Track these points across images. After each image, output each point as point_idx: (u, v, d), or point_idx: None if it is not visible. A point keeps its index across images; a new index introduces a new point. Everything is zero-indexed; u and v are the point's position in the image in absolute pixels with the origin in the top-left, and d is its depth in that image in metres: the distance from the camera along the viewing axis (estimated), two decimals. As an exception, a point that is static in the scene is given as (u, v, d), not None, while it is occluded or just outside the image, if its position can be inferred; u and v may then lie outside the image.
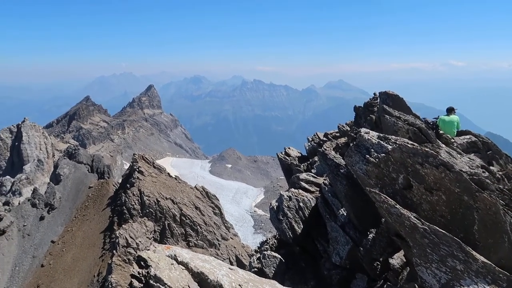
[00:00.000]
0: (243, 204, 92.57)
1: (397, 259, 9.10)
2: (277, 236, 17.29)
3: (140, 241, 47.25)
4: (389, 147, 8.51)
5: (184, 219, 52.74)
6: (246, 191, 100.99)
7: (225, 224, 58.05)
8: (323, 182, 14.49)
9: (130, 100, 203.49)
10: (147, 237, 49.46)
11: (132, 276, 6.75)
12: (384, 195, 7.75)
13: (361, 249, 10.62)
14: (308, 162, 26.38)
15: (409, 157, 8.01)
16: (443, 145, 13.47)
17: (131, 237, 46.80)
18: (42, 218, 64.93)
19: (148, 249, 7.29)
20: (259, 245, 21.23)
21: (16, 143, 72.77)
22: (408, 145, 8.22)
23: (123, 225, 50.67)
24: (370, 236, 10.52)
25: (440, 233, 6.71)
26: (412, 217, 7.10)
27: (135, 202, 53.97)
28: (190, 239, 51.81)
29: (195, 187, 60.71)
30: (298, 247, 14.40)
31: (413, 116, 16.88)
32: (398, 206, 7.40)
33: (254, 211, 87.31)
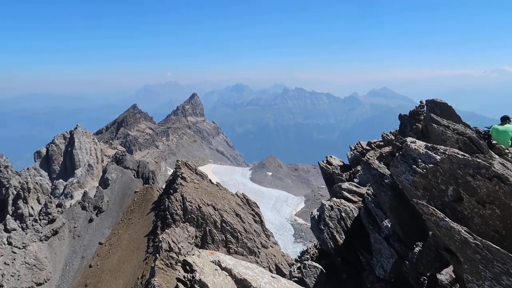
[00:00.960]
0: (283, 212, 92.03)
1: (445, 275, 8.68)
2: (318, 246, 17.02)
3: (182, 246, 48.16)
4: (438, 157, 8.17)
5: (225, 225, 53.20)
6: (286, 199, 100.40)
7: (265, 232, 57.93)
8: (366, 192, 14.13)
9: (174, 108, 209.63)
10: (188, 242, 50.33)
11: (178, 280, 6.91)
12: (432, 207, 7.44)
13: (407, 262, 10.22)
14: (351, 171, 25.84)
15: (460, 168, 7.65)
16: (497, 156, 12.74)
17: (173, 242, 47.82)
18: (91, 220, 68.01)
19: (193, 254, 7.43)
20: (299, 255, 21.00)
21: (69, 149, 76.89)
22: (458, 155, 7.85)
23: (166, 230, 51.92)
24: (417, 249, 10.10)
25: (494, 249, 6.33)
26: (463, 231, 6.75)
27: (177, 208, 55.20)
28: (230, 245, 52.14)
29: (236, 194, 61.17)
30: (339, 258, 14.10)
31: (463, 125, 16.11)
32: (447, 219, 7.07)
33: (295, 220, 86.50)
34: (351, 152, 28.38)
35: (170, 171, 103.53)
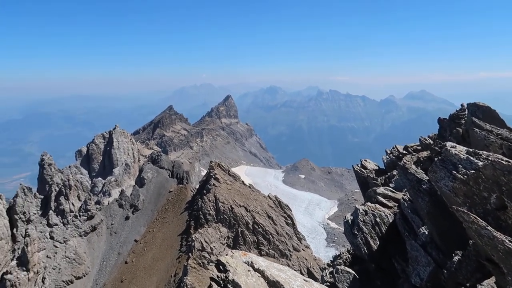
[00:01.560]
0: (315, 215, 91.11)
1: (487, 286, 8.30)
2: (351, 251, 16.74)
3: (214, 246, 48.69)
4: (480, 163, 7.84)
5: (257, 227, 53.31)
6: (319, 203, 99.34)
7: (297, 235, 57.55)
8: (403, 198, 13.75)
9: (208, 109, 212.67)
10: (221, 243, 50.81)
11: (212, 279, 7.01)
12: (474, 215, 7.14)
13: (445, 271, 9.85)
14: (386, 175, 25.22)
15: (504, 175, 7.30)
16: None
17: (206, 242, 48.43)
18: (127, 218, 70.12)
19: (226, 254, 7.51)
20: (332, 259, 20.73)
21: (108, 148, 79.63)
22: (503, 161, 7.50)
23: (199, 230, 52.67)
24: (456, 258, 9.72)
25: (541, 261, 6.00)
26: (507, 241, 6.44)
27: (210, 208, 55.87)
28: (262, 247, 52.18)
29: (268, 196, 61.19)
30: (373, 264, 13.79)
31: (508, 130, 15.37)
32: (490, 227, 6.77)
33: (327, 224, 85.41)
34: (387, 156, 27.70)
35: (203, 172, 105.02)
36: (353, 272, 13.69)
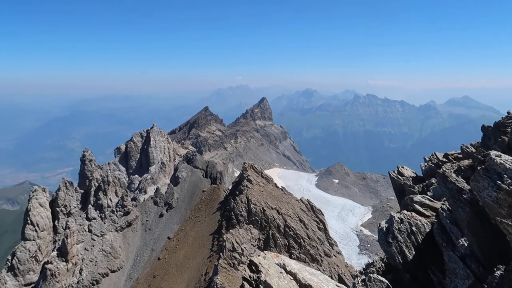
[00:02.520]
0: (348, 221, 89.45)
1: (531, 305, 7.81)
2: (385, 259, 16.29)
3: (245, 247, 48.84)
4: (527, 173, 7.41)
5: (288, 230, 53.01)
6: (352, 209, 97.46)
7: (329, 241, 56.74)
8: (441, 207, 13.24)
9: (243, 111, 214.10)
10: (251, 244, 50.90)
11: (244, 278, 7.03)
12: (519, 228, 6.75)
13: (486, 286, 9.38)
14: (424, 183, 24.41)
15: (554, 187, 6.86)
16: None
17: (237, 242, 48.67)
18: (161, 215, 71.74)
19: (258, 255, 7.50)
20: (364, 267, 20.27)
21: (145, 146, 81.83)
22: (553, 172, 7.05)
23: (230, 230, 53.02)
24: (498, 273, 9.22)
25: None
26: (555, 257, 6.04)
27: (242, 209, 56.14)
28: (292, 251, 51.83)
29: (300, 199, 60.75)
30: (408, 274, 13.35)
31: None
32: (536, 242, 6.37)
33: (360, 231, 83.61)
34: (425, 164, 26.79)
35: (236, 173, 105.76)
36: (386, 281, 13.31)
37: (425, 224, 13.72)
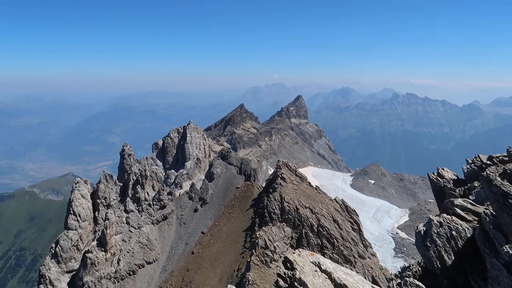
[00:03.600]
0: (384, 223, 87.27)
1: None
2: (422, 263, 15.77)
3: (277, 245, 48.81)
4: None
5: (321, 230, 52.45)
6: (388, 210, 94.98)
7: (363, 242, 55.62)
8: (484, 212, 12.63)
9: (279, 109, 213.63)
10: (284, 242, 50.80)
11: (278, 275, 7.03)
12: None
13: (531, 297, 8.87)
14: (466, 186, 23.35)
15: None
16: None
17: (269, 240, 48.71)
18: (196, 210, 73.04)
19: (293, 252, 7.47)
20: (400, 270, 19.73)
21: (181, 142, 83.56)
22: None
23: (263, 227, 53.13)
24: (545, 283, 8.70)
25: None
26: None
27: (276, 207, 56.10)
28: (325, 251, 51.24)
29: (334, 199, 59.91)
30: (446, 280, 12.85)
31: None
32: None
33: (396, 233, 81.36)
34: (468, 166, 25.62)
35: (270, 171, 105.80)
36: (423, 286, 12.88)
37: (466, 229, 13.15)
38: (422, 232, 14.23)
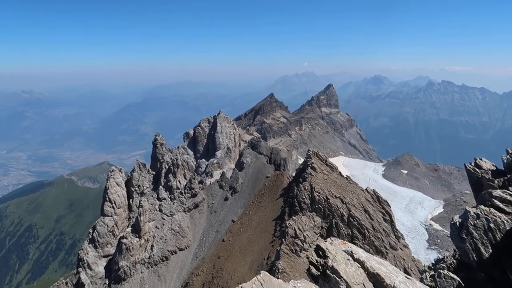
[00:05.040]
0: (417, 214, 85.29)
1: None
2: (456, 256, 15.35)
3: (307, 234, 48.82)
4: None
5: (352, 220, 51.95)
6: (422, 201, 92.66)
7: (395, 233, 54.68)
8: (525, 204, 12.09)
9: (309, 98, 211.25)
10: (314, 232, 50.73)
11: (310, 263, 7.05)
12: None
13: None
14: (505, 177, 22.40)
15: None
16: None
17: (299, 229, 48.79)
18: (226, 199, 73.95)
19: (325, 241, 7.45)
20: (433, 262, 19.31)
21: (212, 132, 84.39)
22: None
23: (293, 217, 53.24)
24: None
25: None
26: None
27: (305, 196, 55.96)
28: (356, 241, 50.76)
29: (366, 189, 59.03)
30: (482, 273, 12.46)
31: None
32: None
33: (430, 225, 79.39)
34: (508, 156, 24.53)
35: (300, 160, 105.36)
36: (458, 279, 12.55)
37: (505, 221, 12.65)
38: (457, 223, 13.82)
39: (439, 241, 71.08)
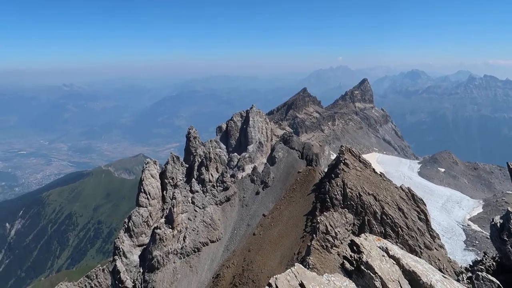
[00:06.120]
0: (454, 214, 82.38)
1: None
2: (496, 258, 14.74)
3: (338, 231, 48.31)
4: None
5: (385, 218, 50.93)
6: (460, 201, 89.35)
7: (430, 232, 53.13)
8: None
9: (343, 93, 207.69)
10: (345, 229, 50.12)
11: (344, 257, 7.01)
12: None
13: None
14: (552, 178, 21.23)
15: None
16: None
17: (330, 225, 48.34)
18: (257, 193, 74.33)
19: (360, 236, 7.38)
20: (471, 264, 18.65)
21: (244, 126, 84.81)
22: None
23: (324, 213, 52.79)
24: None
25: None
26: None
27: (337, 193, 55.34)
28: (389, 240, 49.70)
29: (400, 187, 57.59)
30: (525, 277, 11.92)
31: None
32: None
33: (468, 225, 76.49)
34: (555, 155, 23.23)
35: (333, 156, 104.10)
36: (497, 282, 12.06)
37: (550, 224, 12.03)
38: (498, 225, 13.27)
39: (477, 242, 68.44)
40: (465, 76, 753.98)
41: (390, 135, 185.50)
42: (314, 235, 48.81)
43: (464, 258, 61.41)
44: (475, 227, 75.50)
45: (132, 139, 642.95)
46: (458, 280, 14.29)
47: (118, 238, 66.36)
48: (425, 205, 56.43)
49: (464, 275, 14.55)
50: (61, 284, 65.49)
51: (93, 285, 64.35)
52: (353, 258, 6.85)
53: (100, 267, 66.52)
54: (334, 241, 47.50)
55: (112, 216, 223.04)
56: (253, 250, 61.21)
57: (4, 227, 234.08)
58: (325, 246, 46.95)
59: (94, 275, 64.84)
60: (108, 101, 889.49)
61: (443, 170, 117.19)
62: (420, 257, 47.12)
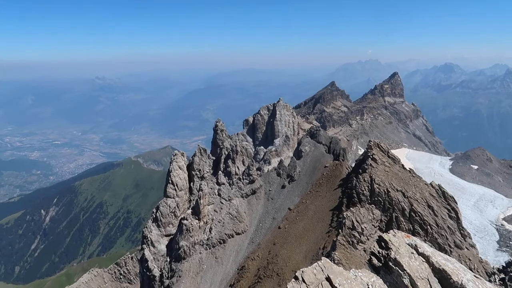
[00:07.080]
0: (487, 213, 79.65)
1: None
2: (532, 260, 14.15)
3: (365, 227, 47.68)
4: None
5: (414, 215, 49.79)
6: (493, 200, 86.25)
7: (461, 231, 51.55)
8: None
9: (372, 87, 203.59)
10: (372, 225, 49.40)
11: (372, 253, 6.90)
12: None
13: None
14: None
15: None
16: None
17: (357, 221, 47.76)
18: (283, 186, 74.27)
19: (388, 232, 7.25)
20: (504, 265, 17.99)
21: (271, 119, 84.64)
22: None
23: (351, 208, 52.17)
24: None
25: None
26: None
27: (365, 188, 54.52)
28: (418, 238, 48.65)
29: (430, 184, 56.06)
30: (563, 281, 11.39)
31: None
32: None
33: (502, 225, 73.81)
34: None
35: (360, 151, 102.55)
36: (533, 285, 11.61)
37: None
38: (535, 225, 12.73)
39: (511, 243, 66.03)
40: (502, 70, 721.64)
41: (421, 131, 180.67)
42: (340, 230, 48.37)
43: (496, 259, 59.46)
44: (509, 227, 72.86)
45: (160, 131, 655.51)
46: (490, 281, 13.84)
47: (146, 227, 68.02)
48: (456, 203, 54.74)
49: (496, 276, 14.06)
50: (92, 270, 67.92)
51: (122, 272, 66.40)
52: (381, 254, 6.73)
53: (129, 255, 68.48)
54: (360, 237, 46.92)
55: (140, 206, 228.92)
56: (278, 244, 61.34)
57: (40, 214, 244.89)
58: (351, 242, 46.45)
59: (123, 263, 66.86)
60: (137, 93, 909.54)
61: (476, 167, 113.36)
62: (450, 256, 46.04)
